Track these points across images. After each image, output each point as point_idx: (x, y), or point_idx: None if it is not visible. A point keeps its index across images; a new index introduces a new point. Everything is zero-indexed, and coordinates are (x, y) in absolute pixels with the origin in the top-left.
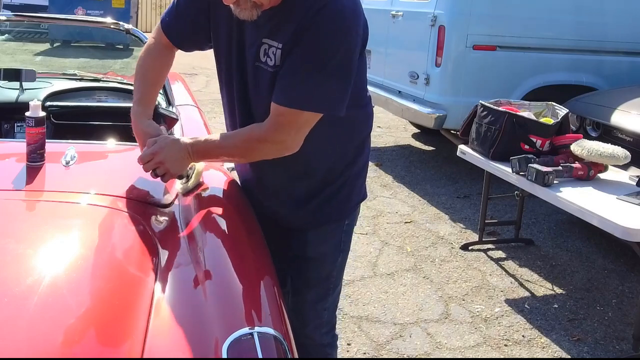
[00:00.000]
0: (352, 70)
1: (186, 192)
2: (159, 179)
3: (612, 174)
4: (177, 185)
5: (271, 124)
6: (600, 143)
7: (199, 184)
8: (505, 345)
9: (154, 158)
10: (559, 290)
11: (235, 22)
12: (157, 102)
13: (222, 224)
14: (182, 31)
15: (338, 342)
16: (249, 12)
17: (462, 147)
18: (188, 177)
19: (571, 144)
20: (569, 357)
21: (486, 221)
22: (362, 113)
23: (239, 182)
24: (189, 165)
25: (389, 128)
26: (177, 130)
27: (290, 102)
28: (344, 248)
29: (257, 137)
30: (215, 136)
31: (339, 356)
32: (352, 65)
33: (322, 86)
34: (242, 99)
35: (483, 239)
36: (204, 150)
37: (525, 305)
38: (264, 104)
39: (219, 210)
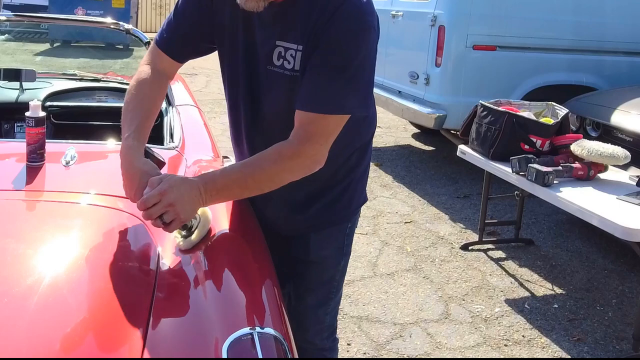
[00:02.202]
0: (373, 67)
1: (189, 249)
2: (161, 227)
3: (612, 174)
4: (177, 239)
5: (301, 135)
6: (600, 143)
7: (205, 237)
8: (505, 345)
9: (162, 200)
10: (559, 290)
11: (241, 22)
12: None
13: (222, 223)
14: (181, 41)
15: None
16: (255, 2)
17: (462, 147)
18: (191, 229)
19: (571, 144)
20: (569, 357)
21: (486, 221)
22: (367, 116)
23: None
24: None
25: (389, 128)
26: (177, 131)
27: (318, 107)
28: (346, 251)
29: (288, 154)
30: (231, 167)
31: (338, 356)
32: (374, 62)
33: (348, 87)
34: (250, 106)
35: (483, 239)
36: (221, 186)
37: (525, 305)
38: (280, 109)
39: (220, 211)
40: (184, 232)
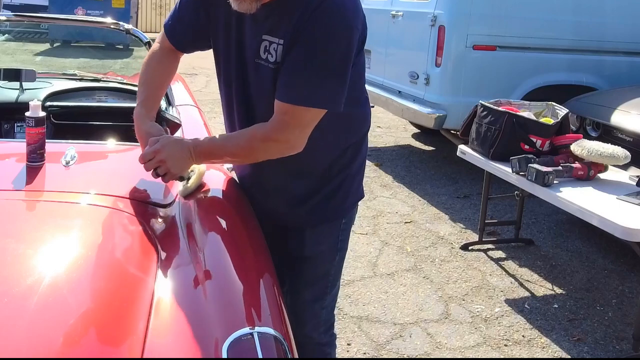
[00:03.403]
0: (350, 66)
1: (186, 195)
2: (159, 178)
3: (612, 174)
4: (178, 186)
5: (276, 122)
6: (600, 143)
7: (199, 187)
8: (505, 345)
9: (156, 156)
10: (559, 290)
11: (234, 19)
12: (160, 106)
13: (222, 223)
14: (183, 33)
15: (338, 342)
16: (247, 4)
17: (462, 147)
18: (188, 179)
19: (571, 144)
20: (569, 357)
21: (486, 221)
22: (361, 112)
23: (237, 181)
24: (190, 167)
25: (389, 128)
26: (176, 131)
27: (294, 99)
28: (341, 247)
29: (261, 137)
30: (218, 137)
31: (338, 356)
32: (351, 61)
33: (325, 82)
34: (242, 98)
35: (483, 239)
36: (207, 151)
37: (525, 305)
38: (266, 101)
39: (219, 209)
40: (183, 183)
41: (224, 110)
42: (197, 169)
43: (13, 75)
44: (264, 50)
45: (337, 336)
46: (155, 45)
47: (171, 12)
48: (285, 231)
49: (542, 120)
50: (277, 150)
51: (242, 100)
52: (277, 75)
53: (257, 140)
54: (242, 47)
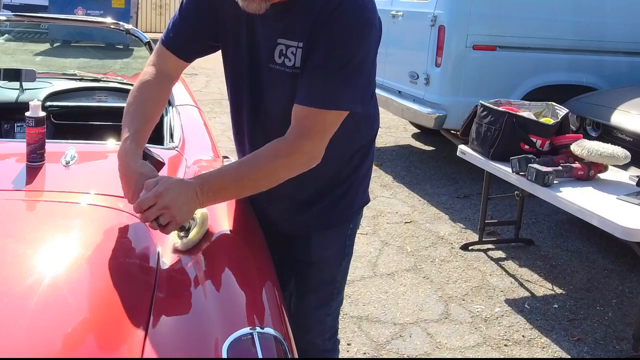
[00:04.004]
0: (374, 66)
1: (188, 249)
2: (157, 229)
3: (612, 174)
4: (175, 240)
5: (296, 131)
6: (600, 143)
7: (204, 236)
8: (505, 345)
9: (158, 202)
10: (559, 290)
11: (244, 22)
12: None
13: (223, 224)
14: (188, 40)
15: None
16: (257, 4)
17: (462, 147)
18: (188, 229)
19: (571, 144)
20: (569, 357)
21: (486, 221)
22: (369, 116)
23: None
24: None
25: (389, 128)
26: (177, 131)
27: (315, 102)
28: (347, 252)
29: (285, 151)
30: (227, 166)
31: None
32: (374, 60)
33: (346, 84)
34: (253, 104)
35: (483, 239)
36: (217, 187)
37: (525, 305)
38: (282, 107)
39: (220, 210)
40: (181, 233)
41: (232, 115)
42: (198, 213)
43: (13, 75)
44: (280, 54)
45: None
46: (148, 69)
47: (167, 28)
48: (291, 236)
49: (542, 120)
50: (300, 164)
51: (254, 106)
52: (293, 80)
53: (281, 156)
54: (255, 52)
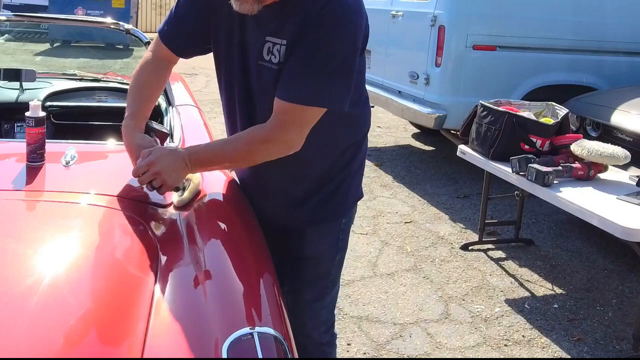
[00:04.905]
0: (355, 66)
1: (182, 206)
2: (154, 191)
3: (612, 174)
4: (173, 197)
5: (275, 122)
6: (600, 143)
7: (195, 196)
8: (505, 345)
9: (150, 169)
10: (559, 290)
11: (237, 22)
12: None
13: (222, 223)
14: (182, 38)
15: (338, 342)
16: (249, 5)
17: (462, 147)
18: (184, 190)
19: (571, 144)
20: (569, 357)
21: (486, 221)
22: (361, 112)
23: (238, 182)
24: (186, 177)
25: (389, 128)
26: (177, 131)
27: (294, 98)
28: (341, 246)
29: (260, 138)
30: (214, 143)
31: (338, 356)
32: (355, 61)
33: (327, 82)
34: (244, 101)
35: (483, 239)
36: (203, 159)
37: (525, 305)
38: (269, 103)
39: (219, 210)
40: (179, 193)
41: (225, 114)
42: (192, 178)
43: (13, 75)
44: (267, 51)
45: (337, 336)
46: (147, 54)
47: (166, 18)
48: (285, 231)
49: (542, 120)
50: (276, 151)
51: (245, 103)
52: (279, 76)
53: (257, 142)
54: (245, 50)
